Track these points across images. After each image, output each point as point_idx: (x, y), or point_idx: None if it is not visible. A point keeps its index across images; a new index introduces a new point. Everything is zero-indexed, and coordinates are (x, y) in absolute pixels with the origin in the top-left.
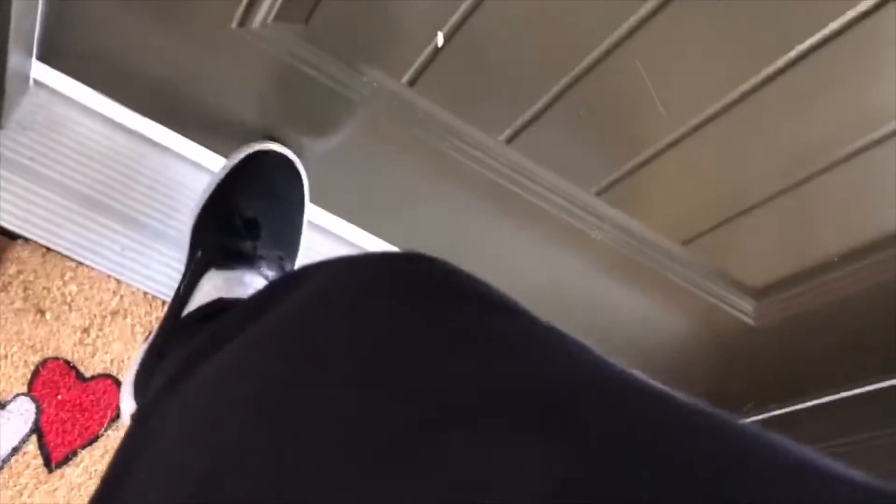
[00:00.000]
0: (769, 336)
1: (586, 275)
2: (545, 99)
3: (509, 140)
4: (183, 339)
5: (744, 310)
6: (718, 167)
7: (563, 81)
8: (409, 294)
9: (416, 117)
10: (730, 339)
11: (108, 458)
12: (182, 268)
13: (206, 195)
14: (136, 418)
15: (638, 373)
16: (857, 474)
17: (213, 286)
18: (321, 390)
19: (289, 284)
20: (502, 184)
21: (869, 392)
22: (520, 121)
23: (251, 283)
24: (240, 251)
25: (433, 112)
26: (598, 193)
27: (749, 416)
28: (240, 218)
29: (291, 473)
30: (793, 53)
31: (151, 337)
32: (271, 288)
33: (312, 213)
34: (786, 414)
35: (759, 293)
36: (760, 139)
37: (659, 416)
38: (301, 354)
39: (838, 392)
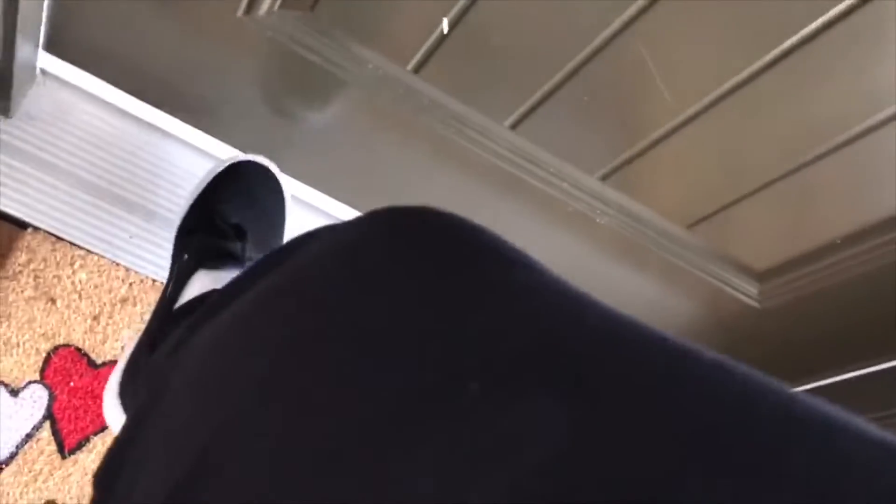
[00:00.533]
0: (773, 318)
1: (591, 259)
2: (550, 84)
3: (514, 126)
4: (175, 329)
5: (748, 292)
6: (722, 151)
7: (568, 67)
8: (423, 248)
9: (422, 104)
10: (734, 322)
11: None
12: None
13: (189, 203)
14: (146, 386)
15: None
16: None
17: (202, 284)
18: (332, 350)
19: (298, 243)
20: (507, 169)
21: (872, 373)
22: (524, 106)
23: None
24: (229, 251)
25: (438, 98)
26: (603, 178)
27: None
28: (225, 224)
29: (300, 444)
30: (795, 38)
31: (139, 335)
32: (280, 249)
33: (314, 198)
34: None
35: (763, 276)
36: (764, 123)
37: (678, 371)
38: (309, 312)
39: (841, 374)
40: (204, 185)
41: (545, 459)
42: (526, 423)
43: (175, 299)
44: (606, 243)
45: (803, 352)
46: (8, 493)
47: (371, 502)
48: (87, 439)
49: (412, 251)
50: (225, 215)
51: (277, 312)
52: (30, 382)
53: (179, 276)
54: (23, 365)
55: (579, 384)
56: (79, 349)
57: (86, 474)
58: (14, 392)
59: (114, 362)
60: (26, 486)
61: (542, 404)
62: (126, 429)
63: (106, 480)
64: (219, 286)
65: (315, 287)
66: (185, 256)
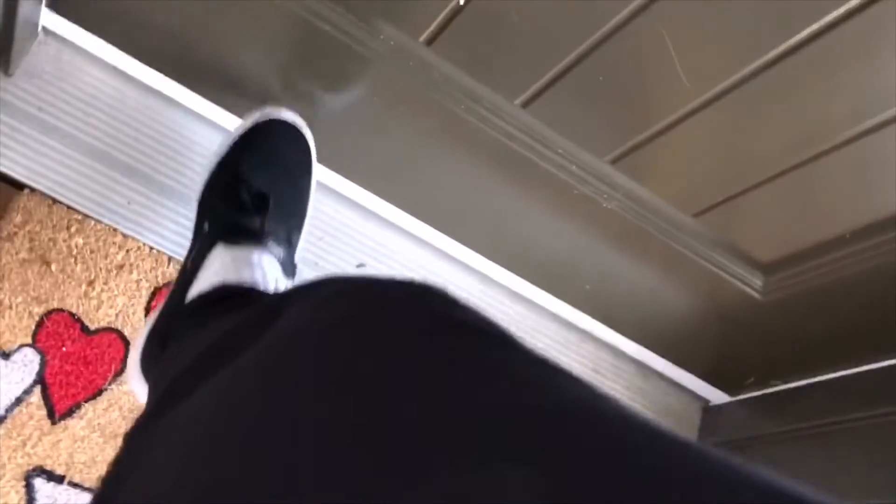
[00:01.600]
0: (775, 311)
1: (596, 243)
2: (565, 62)
3: (525, 104)
4: (185, 326)
5: (752, 284)
6: (734, 139)
7: (585, 45)
8: (404, 323)
9: (432, 78)
10: (736, 314)
11: (112, 413)
12: (189, 224)
13: (213, 165)
14: (129, 435)
15: (631, 405)
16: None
17: (220, 264)
18: (310, 421)
19: (284, 302)
20: (516, 149)
21: (873, 370)
22: (538, 84)
23: (259, 262)
24: (248, 228)
25: (450, 73)
26: (613, 162)
27: (749, 391)
28: (247, 192)
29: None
30: (816, 25)
31: (156, 314)
32: (266, 308)
33: (323, 174)
34: (786, 390)
35: (768, 268)
36: (778, 112)
37: (649, 448)
38: (290, 385)
39: (842, 369)
40: (230, 143)
41: None
42: (494, 490)
43: (193, 276)
44: (611, 228)
45: (803, 346)
46: None
47: None
48: (79, 406)
49: (395, 327)
50: (248, 182)
51: (262, 387)
52: (22, 346)
53: (200, 249)
54: (15, 328)
55: (548, 453)
56: (72, 314)
57: (75, 441)
58: (5, 355)
59: (108, 329)
60: (14, 450)
61: (510, 472)
62: (104, 485)
63: None
64: (235, 269)
65: (296, 361)
66: (206, 228)
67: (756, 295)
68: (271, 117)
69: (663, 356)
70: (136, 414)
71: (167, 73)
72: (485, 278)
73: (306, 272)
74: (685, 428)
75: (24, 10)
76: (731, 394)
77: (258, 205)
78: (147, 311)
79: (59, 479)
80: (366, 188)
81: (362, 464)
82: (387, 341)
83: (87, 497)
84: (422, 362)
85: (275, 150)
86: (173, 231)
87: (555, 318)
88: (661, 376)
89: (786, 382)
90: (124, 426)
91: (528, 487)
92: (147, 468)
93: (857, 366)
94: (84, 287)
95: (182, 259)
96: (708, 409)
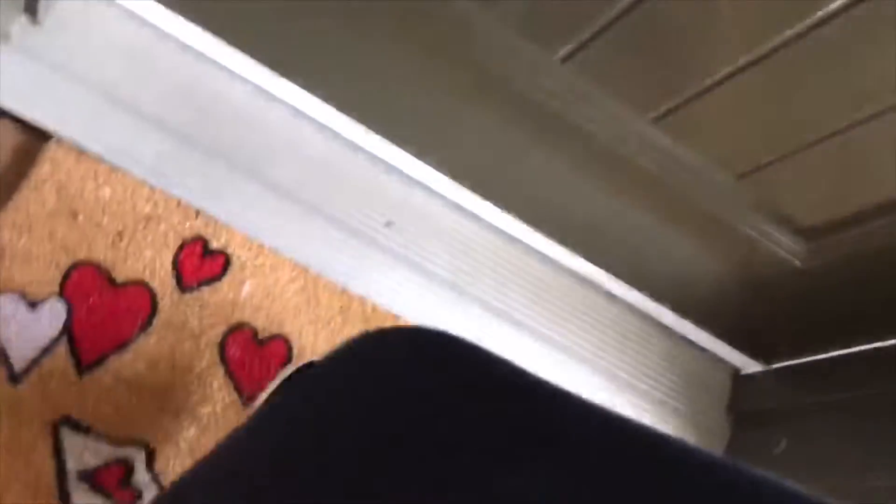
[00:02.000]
0: (815, 278)
1: (632, 205)
2: (610, 14)
3: (565, 59)
4: None
5: (792, 250)
6: (781, 99)
7: None
8: (436, 367)
9: (470, 33)
10: (774, 280)
11: (138, 365)
12: (218, 177)
13: None
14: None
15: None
16: None
17: None
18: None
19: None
20: (554, 105)
21: None
22: (580, 37)
23: None
24: None
25: (488, 26)
26: (656, 120)
27: (782, 361)
28: None
29: None
30: None
31: None
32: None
33: (351, 129)
34: (821, 360)
35: (810, 234)
36: (828, 74)
37: (661, 460)
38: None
39: (880, 340)
40: None
41: None
42: (522, 490)
43: None
44: (649, 190)
45: (842, 316)
46: (24, 408)
47: None
48: (105, 357)
49: (425, 370)
50: None
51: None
52: (49, 296)
53: None
54: (42, 279)
55: (563, 459)
56: (99, 266)
57: (102, 392)
58: (32, 305)
59: (135, 282)
60: (42, 400)
61: (537, 474)
62: None
63: None
64: None
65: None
66: None
67: (796, 261)
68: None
69: (695, 323)
70: (162, 365)
71: (197, 23)
72: (512, 239)
73: (332, 231)
74: (715, 396)
75: None
76: (763, 363)
77: None
78: (174, 264)
79: (86, 430)
80: (399, 145)
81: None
82: (424, 384)
83: (114, 448)
84: (456, 396)
85: None
86: (201, 184)
87: (584, 281)
88: (691, 343)
89: (821, 352)
90: (150, 379)
91: (550, 486)
92: None
93: (892, 338)
94: (111, 238)
95: (213, 213)
96: (738, 378)
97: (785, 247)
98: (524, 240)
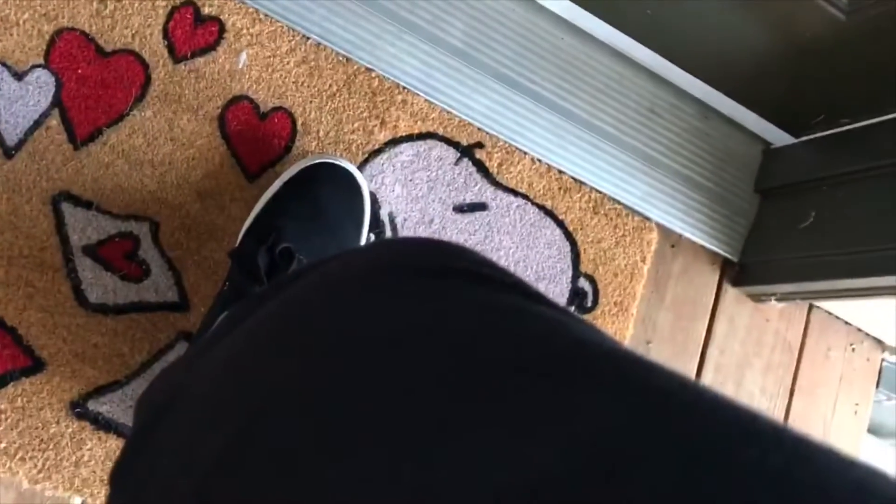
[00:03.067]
0: (858, 34)
1: None
2: None
3: None
4: None
5: (835, 1)
6: None
7: None
8: (447, 276)
9: None
10: (814, 38)
11: (136, 139)
12: None
13: (254, 212)
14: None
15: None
16: None
17: None
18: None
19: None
20: None
21: None
22: None
23: None
24: None
25: None
26: None
27: (815, 132)
28: (276, 247)
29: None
30: None
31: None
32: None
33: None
34: (857, 129)
35: None
36: None
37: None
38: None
39: None
40: (272, 192)
41: (595, 433)
42: (572, 405)
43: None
44: None
45: (884, 78)
46: (21, 182)
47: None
48: (100, 131)
49: (440, 279)
50: (280, 235)
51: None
52: (34, 66)
53: (212, 310)
54: (25, 47)
55: (603, 384)
56: (86, 34)
57: (100, 167)
58: (18, 75)
59: (125, 51)
60: (38, 175)
61: (582, 394)
62: (138, 432)
63: (119, 478)
64: None
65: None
66: (226, 286)
67: (839, 14)
68: (318, 161)
69: (727, 94)
70: (161, 139)
71: None
72: (532, 4)
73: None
74: (745, 172)
75: None
76: (795, 135)
77: (283, 261)
78: (165, 31)
79: (87, 205)
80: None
81: (446, 377)
82: (439, 292)
83: (117, 222)
84: (466, 309)
85: (317, 199)
86: None
87: (609, 50)
88: (722, 117)
89: (857, 121)
90: (149, 153)
91: (592, 411)
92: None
93: None
94: (95, 5)
95: None
96: (769, 152)
97: None
98: (542, 3)
